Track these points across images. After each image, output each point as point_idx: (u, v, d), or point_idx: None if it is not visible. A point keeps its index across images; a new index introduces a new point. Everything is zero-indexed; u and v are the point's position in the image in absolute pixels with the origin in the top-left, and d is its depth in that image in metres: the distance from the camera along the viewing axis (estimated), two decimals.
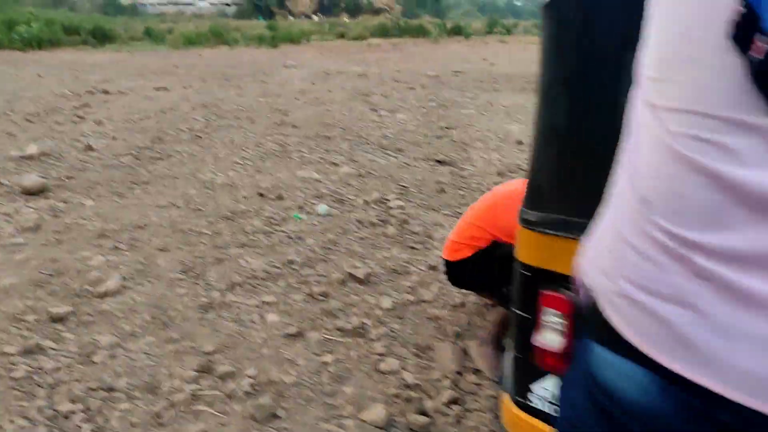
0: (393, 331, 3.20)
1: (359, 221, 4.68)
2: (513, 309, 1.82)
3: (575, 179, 1.59)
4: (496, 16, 39.94)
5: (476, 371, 2.85)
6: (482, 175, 5.86)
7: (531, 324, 1.73)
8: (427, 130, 7.79)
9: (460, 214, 4.91)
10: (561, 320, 1.68)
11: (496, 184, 5.55)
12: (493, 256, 2.88)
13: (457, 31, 33.12)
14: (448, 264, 3.00)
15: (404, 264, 3.98)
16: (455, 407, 2.60)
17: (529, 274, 1.72)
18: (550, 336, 1.71)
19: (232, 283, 3.72)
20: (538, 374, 1.78)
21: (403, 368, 2.87)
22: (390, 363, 2.89)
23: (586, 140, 1.52)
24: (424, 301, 3.50)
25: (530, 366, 1.77)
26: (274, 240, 4.35)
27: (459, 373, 2.84)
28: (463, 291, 3.53)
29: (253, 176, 5.80)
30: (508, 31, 34.88)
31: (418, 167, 6.14)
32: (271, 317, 3.32)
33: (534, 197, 1.70)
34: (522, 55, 20.34)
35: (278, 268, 3.92)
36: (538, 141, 1.67)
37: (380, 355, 2.98)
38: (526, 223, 1.70)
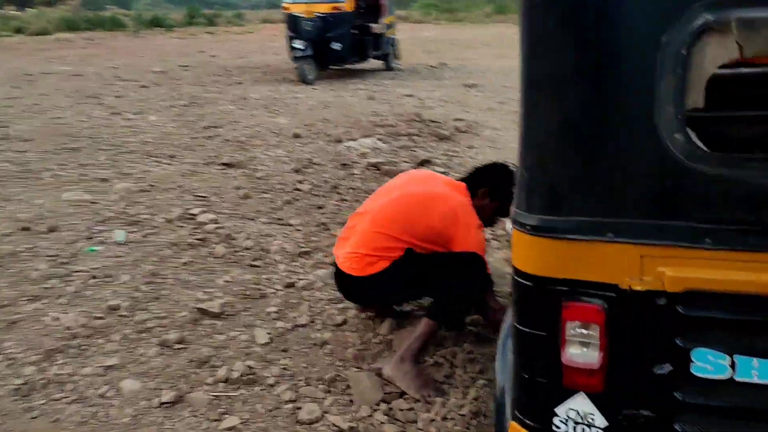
0: (287, 369, 2.74)
1: (174, 244, 3.98)
2: (519, 327, 1.61)
3: (600, 176, 1.44)
4: (196, 7, 38.40)
5: (402, 394, 2.57)
6: (279, 175, 5.45)
7: (547, 342, 1.56)
8: (191, 131, 7.05)
9: (279, 219, 4.51)
10: (592, 332, 1.53)
11: (298, 183, 5.23)
12: (407, 266, 2.66)
13: (156, 23, 31.00)
14: (359, 279, 2.67)
15: (254, 287, 3.47)
16: None
17: (544, 286, 1.53)
18: (581, 351, 1.55)
19: (45, 350, 2.86)
20: (564, 395, 1.60)
21: (325, 412, 2.46)
22: (308, 409, 2.45)
23: (611, 132, 1.36)
24: (301, 326, 3.08)
25: (553, 388, 1.59)
26: (76, 284, 3.46)
27: (385, 401, 2.53)
28: (340, 306, 3.19)
29: (2, 207, 4.61)
30: (211, 23, 33.70)
31: (206, 173, 5.49)
32: (128, 384, 2.61)
33: (545, 200, 1.50)
34: (238, 47, 19.78)
35: (101, 318, 3.13)
36: (547, 138, 1.48)
37: (290, 402, 2.52)
38: (538, 230, 1.50)
